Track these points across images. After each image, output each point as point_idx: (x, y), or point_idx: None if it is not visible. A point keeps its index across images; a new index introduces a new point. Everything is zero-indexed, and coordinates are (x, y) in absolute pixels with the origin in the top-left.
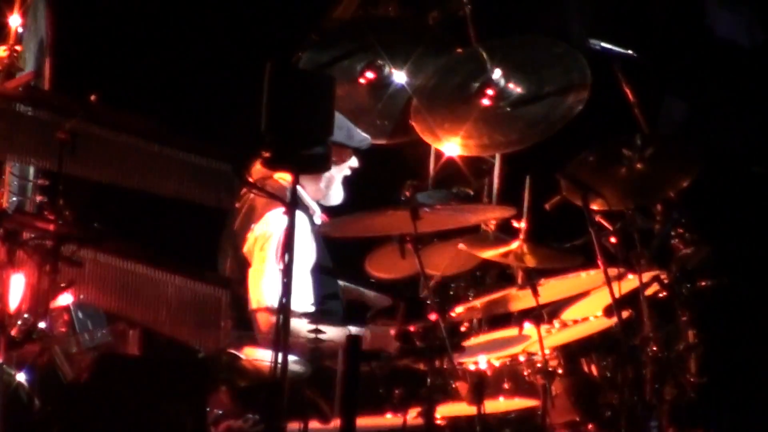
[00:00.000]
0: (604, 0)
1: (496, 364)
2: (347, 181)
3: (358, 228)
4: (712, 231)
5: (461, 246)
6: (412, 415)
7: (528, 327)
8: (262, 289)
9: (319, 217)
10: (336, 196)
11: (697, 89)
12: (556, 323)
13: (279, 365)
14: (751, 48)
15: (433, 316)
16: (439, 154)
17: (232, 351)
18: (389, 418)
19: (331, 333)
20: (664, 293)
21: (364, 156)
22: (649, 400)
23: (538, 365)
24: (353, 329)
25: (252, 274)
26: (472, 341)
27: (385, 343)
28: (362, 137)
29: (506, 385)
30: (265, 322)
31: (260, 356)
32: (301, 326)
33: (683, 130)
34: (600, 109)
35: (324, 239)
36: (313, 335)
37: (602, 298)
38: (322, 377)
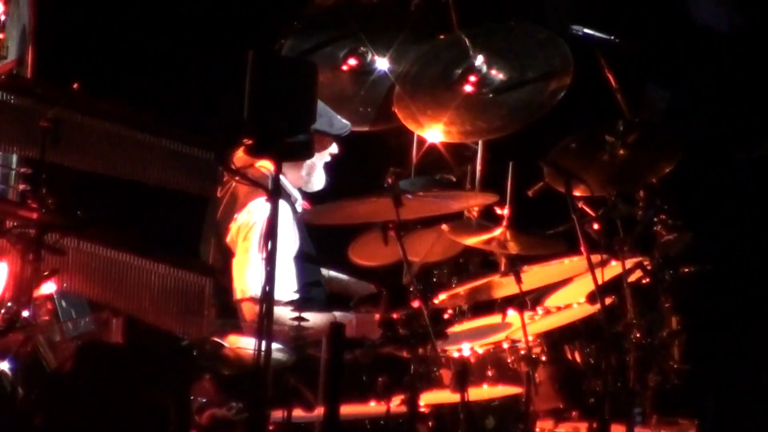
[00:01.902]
0: None
1: (480, 351)
2: (329, 168)
3: (340, 215)
4: (695, 217)
5: (444, 227)
6: (396, 403)
7: (511, 314)
8: (246, 279)
9: (300, 205)
10: (318, 181)
11: (678, 76)
12: (540, 310)
13: (263, 353)
14: (732, 34)
15: (416, 304)
16: (421, 141)
17: (216, 339)
18: (373, 406)
19: (316, 320)
20: (647, 280)
21: (346, 143)
22: (633, 387)
23: (522, 352)
24: (338, 314)
25: (236, 264)
26: (456, 328)
27: (369, 329)
28: (343, 124)
29: (490, 373)
30: (250, 311)
31: (244, 344)
32: (285, 315)
33: (665, 116)
34: (582, 95)
35: (307, 227)
36: (296, 323)
37: (585, 285)
38: (306, 365)
